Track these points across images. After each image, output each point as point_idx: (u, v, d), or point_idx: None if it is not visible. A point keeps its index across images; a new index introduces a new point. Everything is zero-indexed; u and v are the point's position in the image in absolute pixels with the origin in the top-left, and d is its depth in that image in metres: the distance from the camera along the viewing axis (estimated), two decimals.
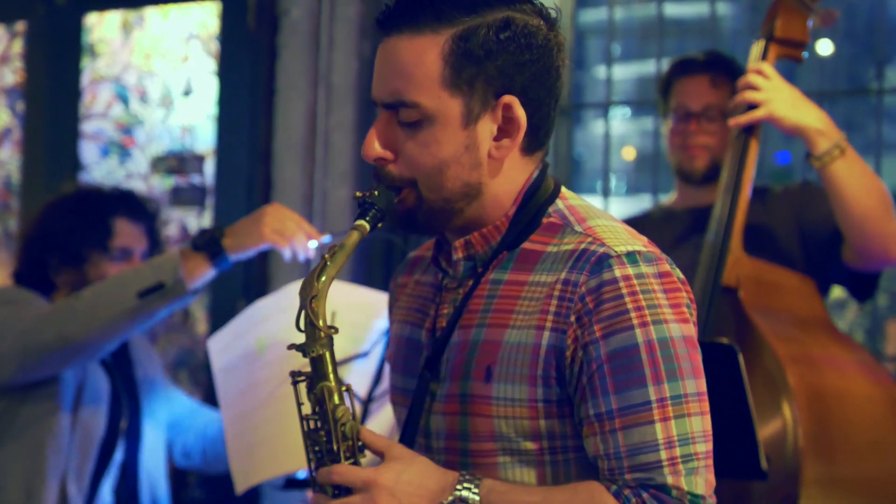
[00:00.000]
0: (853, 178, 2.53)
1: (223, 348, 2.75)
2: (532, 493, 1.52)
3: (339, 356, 2.66)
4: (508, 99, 1.54)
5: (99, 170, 4.26)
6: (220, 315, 3.83)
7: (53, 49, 4.33)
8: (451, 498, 1.50)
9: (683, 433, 1.49)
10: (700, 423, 1.50)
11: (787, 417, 2.41)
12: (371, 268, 3.72)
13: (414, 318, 1.70)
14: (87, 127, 4.28)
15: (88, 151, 4.27)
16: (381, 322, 2.70)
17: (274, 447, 2.64)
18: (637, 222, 2.87)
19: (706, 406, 1.52)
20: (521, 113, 1.55)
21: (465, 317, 1.59)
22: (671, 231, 2.81)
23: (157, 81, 4.16)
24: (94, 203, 2.90)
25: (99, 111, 4.26)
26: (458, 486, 1.50)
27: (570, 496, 1.51)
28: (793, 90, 2.59)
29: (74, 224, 2.85)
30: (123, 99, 4.23)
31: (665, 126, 2.88)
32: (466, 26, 1.52)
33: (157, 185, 4.15)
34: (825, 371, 2.51)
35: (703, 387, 1.52)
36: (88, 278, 2.83)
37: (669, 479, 1.48)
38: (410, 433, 1.62)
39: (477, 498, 1.50)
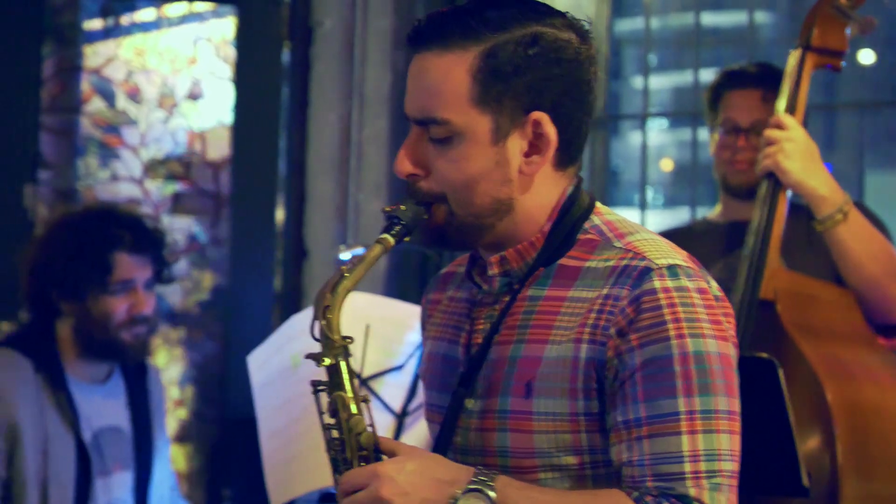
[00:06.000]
0: (856, 244, 2.50)
1: (261, 364, 2.75)
2: (548, 492, 1.52)
3: (373, 369, 2.69)
4: (537, 115, 1.54)
5: (71, 169, 3.87)
6: (238, 330, 3.79)
7: (6, 29, 3.75)
8: (464, 489, 1.48)
9: (710, 448, 1.47)
10: (728, 442, 1.49)
11: (826, 434, 2.39)
12: (405, 281, 3.71)
13: (449, 335, 1.69)
14: (51, 120, 3.84)
15: (52, 147, 3.83)
16: (415, 335, 2.69)
17: (308, 462, 2.64)
18: (679, 235, 2.83)
19: (737, 426, 1.50)
20: (550, 129, 1.55)
21: (502, 333, 1.58)
22: (713, 244, 2.78)
23: (155, 80, 3.89)
24: (96, 236, 2.80)
25: (69, 104, 3.89)
26: (474, 478, 1.48)
27: (590, 499, 1.50)
28: (809, 145, 2.51)
29: (72, 261, 2.77)
30: (105, 94, 3.90)
31: (711, 138, 2.83)
32: (494, 43, 1.52)
33: (154, 190, 3.91)
34: (864, 385, 2.48)
35: (736, 406, 1.51)
36: (90, 312, 2.78)
37: (692, 492, 1.46)
38: (442, 449, 1.61)
39: (493, 493, 1.47)
